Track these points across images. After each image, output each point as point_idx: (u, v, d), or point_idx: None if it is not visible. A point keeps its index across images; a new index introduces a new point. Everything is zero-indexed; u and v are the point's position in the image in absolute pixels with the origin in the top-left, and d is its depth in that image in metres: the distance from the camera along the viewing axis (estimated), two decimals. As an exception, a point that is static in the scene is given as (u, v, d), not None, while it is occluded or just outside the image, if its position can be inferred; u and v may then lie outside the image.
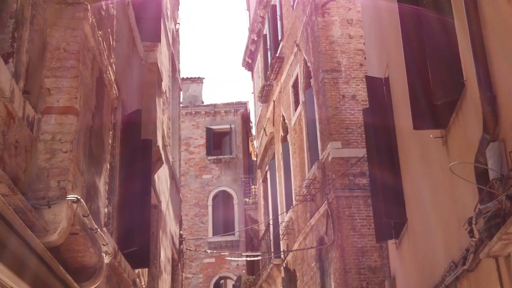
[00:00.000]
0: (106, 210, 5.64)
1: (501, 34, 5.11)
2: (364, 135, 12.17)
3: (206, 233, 28.40)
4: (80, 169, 4.71)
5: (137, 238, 7.79)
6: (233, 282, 28.10)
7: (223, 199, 29.58)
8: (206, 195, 29.45)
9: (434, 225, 7.77)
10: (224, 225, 28.47)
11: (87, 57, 4.94)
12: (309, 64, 15.98)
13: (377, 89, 10.41)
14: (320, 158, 14.83)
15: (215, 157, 29.95)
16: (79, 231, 4.82)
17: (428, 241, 8.14)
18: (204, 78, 31.90)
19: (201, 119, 30.64)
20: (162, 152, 10.80)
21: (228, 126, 30.52)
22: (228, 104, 30.99)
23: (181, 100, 30.99)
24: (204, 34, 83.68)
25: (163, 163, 9.86)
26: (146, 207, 8.45)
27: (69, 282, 4.41)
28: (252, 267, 26.99)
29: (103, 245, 5.27)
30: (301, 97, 16.82)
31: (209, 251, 20.85)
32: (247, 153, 30.26)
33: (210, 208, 29.29)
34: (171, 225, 12.80)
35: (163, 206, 11.46)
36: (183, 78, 31.22)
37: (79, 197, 4.49)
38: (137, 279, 8.58)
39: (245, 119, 30.98)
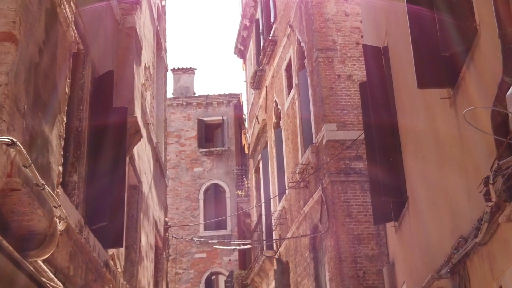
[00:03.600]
0: (60, 168, 4.80)
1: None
2: (361, 116, 11.36)
3: (197, 227, 27.57)
4: (19, 108, 3.89)
5: (108, 214, 6.97)
6: (225, 278, 27.27)
7: (215, 193, 28.75)
8: (198, 188, 28.62)
9: (439, 199, 6.98)
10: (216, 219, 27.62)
11: (31, -21, 4.12)
12: (302, 44, 15.17)
13: (376, 59, 9.65)
14: (314, 141, 14.01)
15: (207, 149, 29.11)
16: (21, 186, 4.00)
17: (432, 218, 7.35)
18: (195, 69, 31.11)
19: (192, 110, 29.80)
20: (143, 128, 10.01)
21: (220, 118, 29.69)
22: (220, 95, 30.18)
23: (172, 90, 30.32)
24: (195, 24, 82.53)
25: (141, 137, 9.04)
26: (119, 182, 7.65)
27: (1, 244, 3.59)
28: (244, 262, 26.15)
29: (55, 207, 4.45)
30: (294, 80, 16.00)
31: (195, 239, 19.93)
32: (239, 146, 29.40)
33: (201, 202, 28.47)
34: (154, 209, 11.98)
35: (145, 188, 10.65)
36: (174, 68, 30.42)
37: (15, 140, 3.67)
38: (111, 261, 7.76)
39: (238, 110, 30.12)
